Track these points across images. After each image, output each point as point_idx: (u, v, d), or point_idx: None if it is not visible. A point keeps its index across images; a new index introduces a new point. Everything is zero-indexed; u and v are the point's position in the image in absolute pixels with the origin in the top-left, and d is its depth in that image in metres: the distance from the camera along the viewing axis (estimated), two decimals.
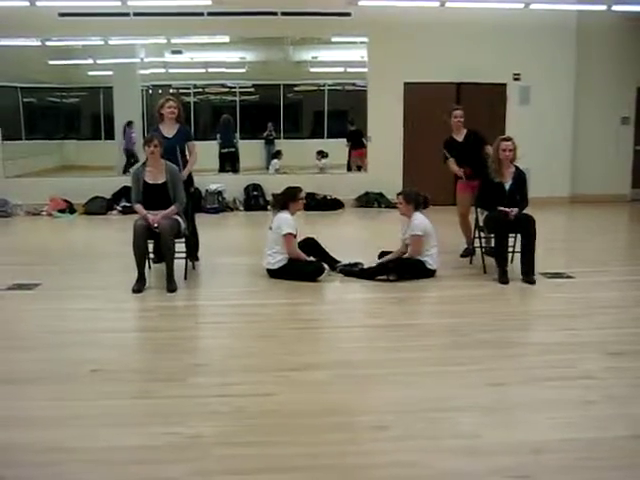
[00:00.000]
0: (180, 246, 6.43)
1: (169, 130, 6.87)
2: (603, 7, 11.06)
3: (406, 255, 6.56)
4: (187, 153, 7.03)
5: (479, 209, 6.97)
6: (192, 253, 6.92)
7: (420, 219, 6.50)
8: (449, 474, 2.99)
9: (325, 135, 13.40)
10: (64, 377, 4.09)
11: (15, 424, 3.48)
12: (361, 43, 11.97)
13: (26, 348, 4.63)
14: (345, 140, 12.98)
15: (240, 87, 13.06)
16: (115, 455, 3.15)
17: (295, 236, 6.49)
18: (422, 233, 6.42)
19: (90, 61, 12.36)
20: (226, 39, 12.10)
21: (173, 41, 12.08)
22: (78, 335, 4.87)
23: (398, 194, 6.78)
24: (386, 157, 11.87)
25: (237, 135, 12.80)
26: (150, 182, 6.28)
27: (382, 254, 6.76)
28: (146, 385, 4.02)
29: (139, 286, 6.06)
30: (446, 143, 7.65)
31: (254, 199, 11.77)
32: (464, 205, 7.49)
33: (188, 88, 12.99)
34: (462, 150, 7.42)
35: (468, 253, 7.39)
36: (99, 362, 4.29)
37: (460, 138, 7.51)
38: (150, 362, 4.46)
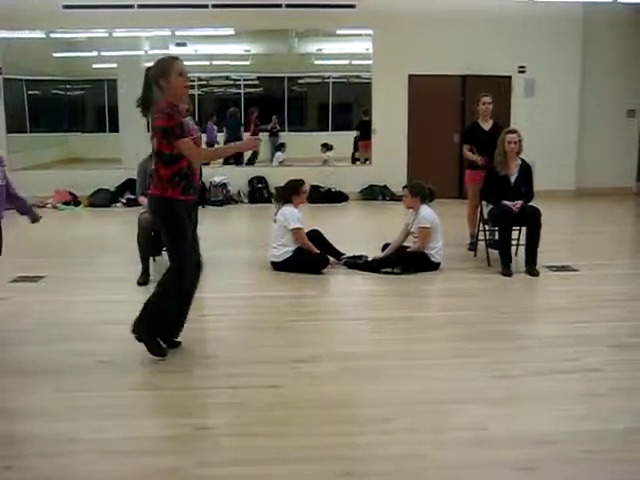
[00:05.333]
0: None
1: None
2: None
3: (412, 248, 6.55)
4: None
5: (484, 202, 6.95)
6: None
7: (428, 211, 6.49)
8: (454, 466, 3.00)
9: (330, 128, 13.37)
10: (70, 369, 4.10)
11: (22, 416, 3.50)
12: (366, 35, 11.93)
13: (31, 340, 4.64)
14: (356, 131, 12.91)
15: (244, 80, 13.05)
16: (123, 446, 3.16)
17: (302, 228, 6.50)
18: (430, 225, 6.41)
19: (94, 53, 12.34)
20: (230, 31, 12.06)
21: (177, 33, 12.05)
22: (83, 327, 4.88)
23: (404, 187, 6.77)
24: (391, 150, 11.85)
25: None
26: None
27: (386, 247, 6.75)
28: (153, 377, 4.03)
29: (144, 279, 6.07)
30: (469, 129, 7.59)
31: (258, 191, 11.77)
32: (475, 197, 7.33)
33: (192, 80, 12.86)
34: (487, 139, 7.13)
35: (475, 245, 7.36)
36: (105, 354, 4.30)
37: (487, 127, 7.37)
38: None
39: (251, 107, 13.02)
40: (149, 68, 4.14)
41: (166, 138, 3.97)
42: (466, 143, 7.51)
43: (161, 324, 4.28)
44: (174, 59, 4.11)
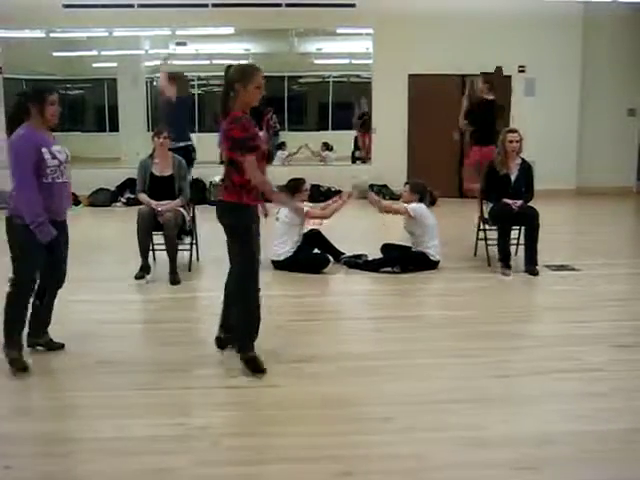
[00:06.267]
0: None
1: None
2: None
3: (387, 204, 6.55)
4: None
5: (484, 201, 6.94)
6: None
7: (422, 208, 6.46)
8: (454, 466, 2.99)
9: (330, 127, 13.36)
10: (69, 369, 4.10)
11: (21, 415, 3.49)
12: (366, 34, 11.92)
13: None
14: (358, 120, 12.89)
15: None
16: (121, 446, 3.16)
17: (309, 209, 6.45)
18: (412, 215, 6.39)
19: (94, 53, 12.34)
20: (230, 31, 12.05)
21: (177, 33, 12.05)
22: (82, 326, 4.87)
23: (405, 183, 6.78)
24: (391, 149, 11.84)
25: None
26: (157, 174, 6.29)
27: (385, 246, 6.74)
28: (152, 377, 4.02)
29: (142, 273, 6.07)
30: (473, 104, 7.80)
31: None
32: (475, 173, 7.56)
33: (192, 80, 12.95)
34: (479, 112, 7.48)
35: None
36: (104, 354, 4.30)
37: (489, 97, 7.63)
38: (155, 354, 4.46)
39: (267, 107, 13.03)
40: (229, 67, 4.11)
41: (238, 149, 3.95)
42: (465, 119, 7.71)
43: (254, 328, 4.19)
44: (257, 69, 4.08)
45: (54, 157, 4.08)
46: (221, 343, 4.37)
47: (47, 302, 4.37)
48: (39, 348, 4.33)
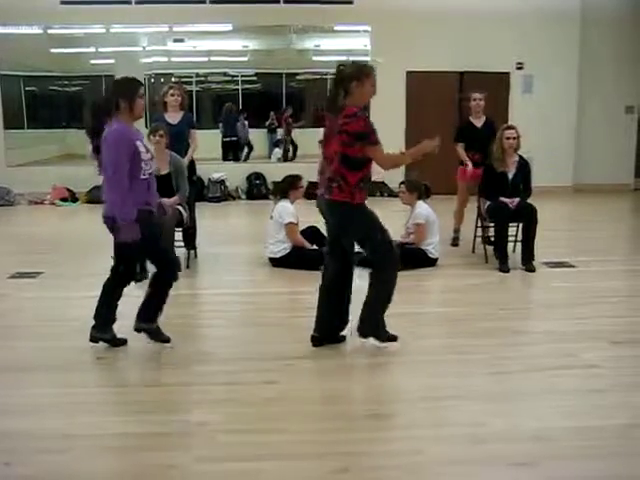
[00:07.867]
0: (179, 235, 6.46)
1: (173, 117, 6.85)
2: None
3: (410, 241, 6.54)
4: (190, 140, 6.99)
5: (481, 198, 6.95)
6: (190, 242, 6.90)
7: (423, 208, 6.50)
8: (452, 462, 3.00)
9: None
10: (69, 365, 4.10)
11: (21, 412, 3.50)
12: (364, 31, 11.92)
13: (30, 336, 4.64)
14: None
15: (242, 76, 13.03)
16: (120, 442, 3.17)
17: (296, 224, 6.51)
18: (424, 221, 6.43)
19: (92, 49, 12.32)
20: (228, 27, 12.05)
21: (175, 29, 12.03)
22: (81, 323, 4.85)
23: (401, 183, 6.78)
24: (388, 146, 11.76)
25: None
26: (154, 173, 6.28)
27: None
28: (150, 373, 4.04)
29: (141, 276, 6.05)
30: (461, 127, 7.55)
31: (256, 188, 11.76)
32: (464, 193, 7.52)
33: (190, 77, 12.96)
34: (478, 136, 7.20)
35: (457, 241, 7.53)
36: (103, 351, 4.31)
37: (479, 123, 7.35)
38: (153, 350, 4.46)
39: (286, 106, 13.11)
40: (342, 66, 4.12)
41: (360, 142, 4.01)
42: (457, 141, 7.46)
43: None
44: (373, 68, 4.14)
45: (147, 150, 4.08)
46: (318, 341, 4.37)
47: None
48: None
